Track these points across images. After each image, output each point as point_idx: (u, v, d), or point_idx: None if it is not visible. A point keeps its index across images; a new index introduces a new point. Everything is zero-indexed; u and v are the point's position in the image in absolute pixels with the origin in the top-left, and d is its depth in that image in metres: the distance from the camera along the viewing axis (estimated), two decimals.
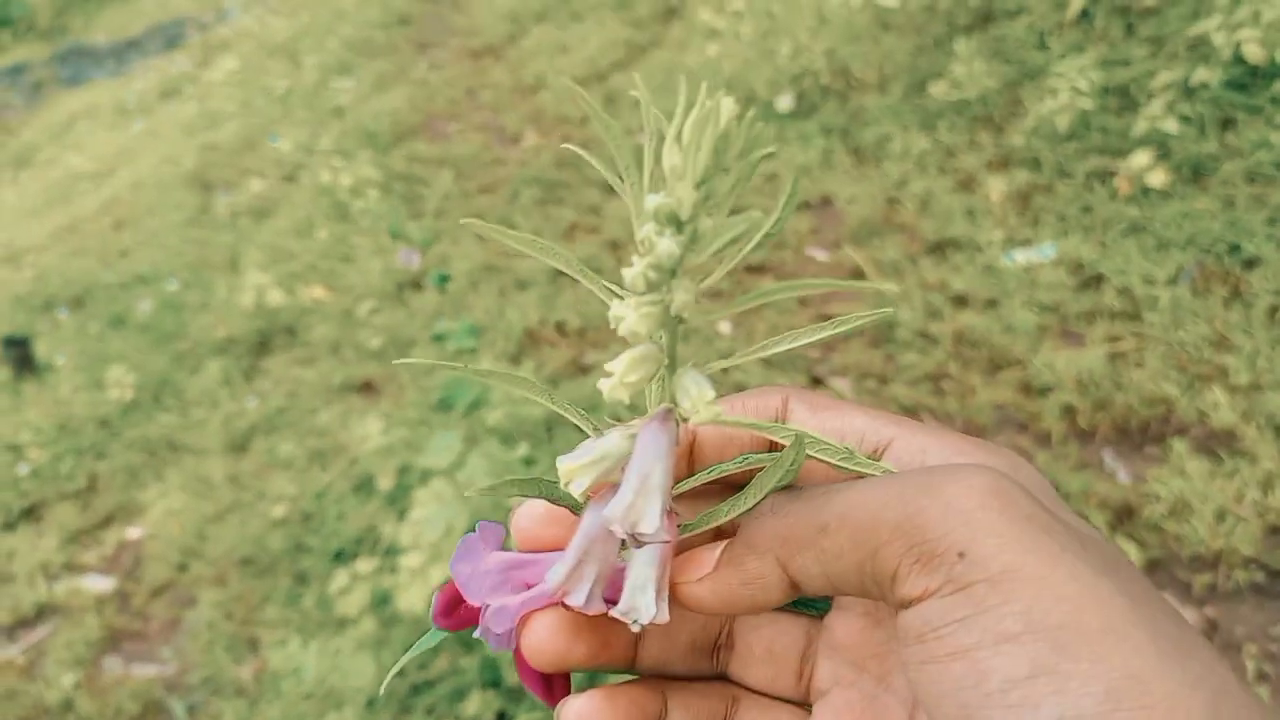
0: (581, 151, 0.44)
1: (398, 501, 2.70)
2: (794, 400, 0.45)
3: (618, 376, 0.37)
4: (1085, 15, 3.54)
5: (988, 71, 3.51)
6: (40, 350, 4.01)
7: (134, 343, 3.91)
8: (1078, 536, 0.34)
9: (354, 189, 4.20)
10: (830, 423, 0.44)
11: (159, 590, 2.81)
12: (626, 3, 5.58)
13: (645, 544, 0.37)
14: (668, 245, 0.35)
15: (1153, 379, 2.35)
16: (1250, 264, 2.54)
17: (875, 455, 0.42)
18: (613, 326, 0.37)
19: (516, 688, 2.10)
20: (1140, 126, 2.93)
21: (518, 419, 2.60)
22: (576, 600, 0.39)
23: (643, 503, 0.36)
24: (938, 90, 3.57)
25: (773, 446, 0.44)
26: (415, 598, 2.04)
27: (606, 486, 0.40)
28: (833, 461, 0.39)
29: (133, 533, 3.06)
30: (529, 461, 2.45)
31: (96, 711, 2.48)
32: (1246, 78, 2.89)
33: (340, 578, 2.30)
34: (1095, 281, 2.67)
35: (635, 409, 0.41)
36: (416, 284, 3.72)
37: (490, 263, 3.71)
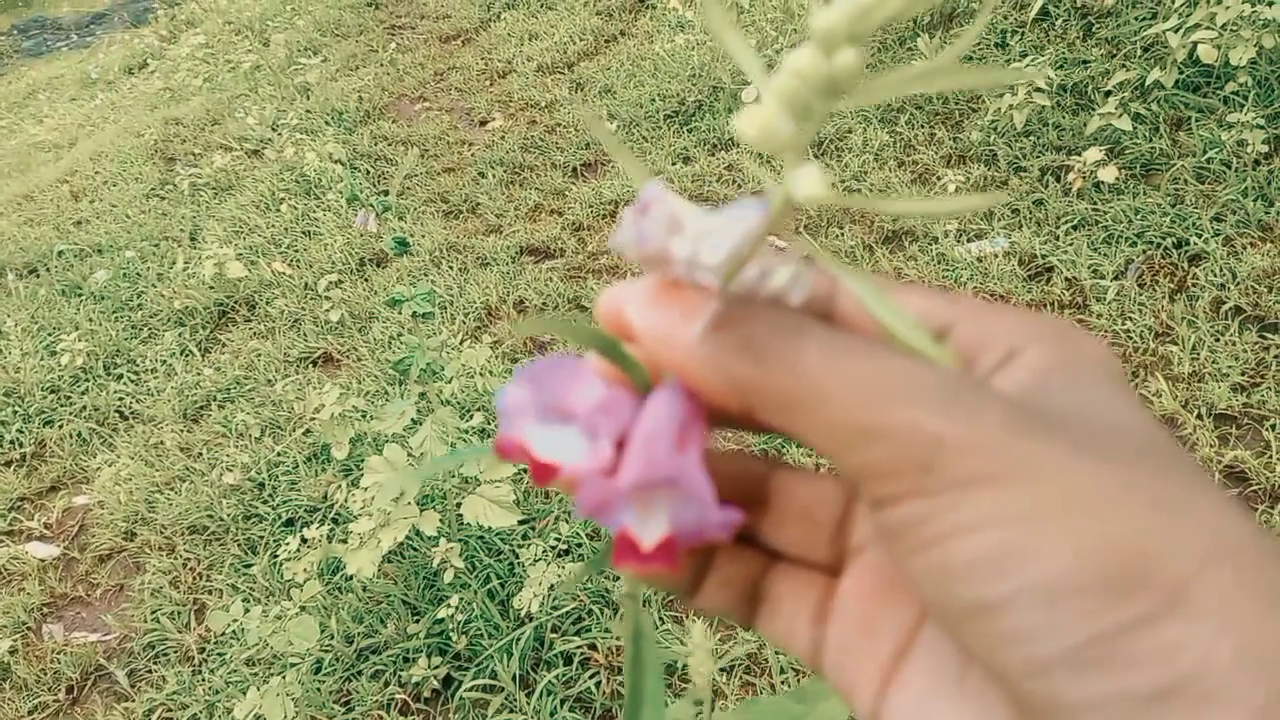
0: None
1: (351, 471, 2.69)
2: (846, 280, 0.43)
3: (757, 111, 0.35)
4: (1045, 16, 3.60)
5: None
6: None
7: (88, 311, 3.86)
8: (1070, 435, 0.32)
9: (319, 165, 4.17)
10: None
11: (104, 557, 2.78)
12: None
13: (703, 281, 0.35)
14: None
15: None
16: (1195, 259, 2.59)
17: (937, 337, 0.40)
18: (765, 85, 0.36)
19: (463, 653, 2.10)
20: (1094, 124, 2.98)
21: (473, 390, 2.60)
22: (647, 208, 0.35)
23: (718, 237, 0.34)
24: None
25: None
26: (364, 562, 2.04)
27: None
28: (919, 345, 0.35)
29: (80, 500, 3.02)
30: (483, 432, 2.45)
31: (33, 678, 2.45)
32: (1200, 78, 2.96)
33: (290, 544, 2.29)
34: (1045, 273, 2.72)
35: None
36: (377, 259, 3.70)
37: (453, 241, 3.70)
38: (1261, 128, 2.75)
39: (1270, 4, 2.76)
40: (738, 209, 0.36)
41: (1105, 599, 0.30)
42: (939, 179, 3.18)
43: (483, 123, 4.74)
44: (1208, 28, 2.86)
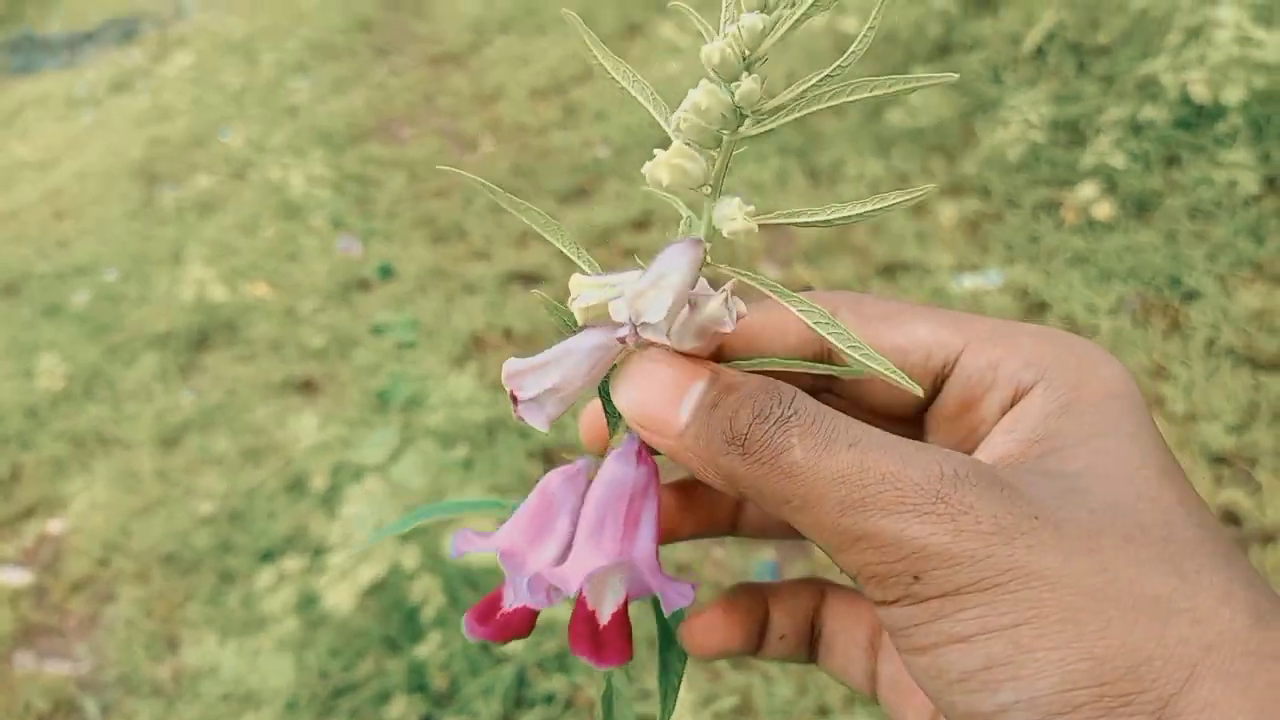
0: None
1: (330, 501, 2.64)
2: (846, 310, 0.42)
3: (664, 156, 0.36)
4: (1039, 52, 3.60)
5: (943, 102, 3.55)
6: None
7: (67, 333, 3.81)
8: (1063, 530, 0.32)
9: (304, 187, 4.13)
10: (888, 336, 0.41)
11: (78, 585, 2.72)
12: (590, 18, 5.59)
13: (649, 342, 0.35)
14: (753, 19, 0.34)
15: None
16: (1189, 297, 2.58)
17: (943, 373, 0.40)
18: (670, 125, 0.37)
19: (443, 692, 2.05)
20: (1088, 160, 2.98)
21: (458, 421, 2.56)
22: (524, 395, 0.37)
23: (654, 294, 0.35)
24: (894, 118, 3.61)
25: (820, 356, 0.42)
26: (342, 596, 1.98)
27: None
28: (878, 369, 0.36)
29: (54, 526, 2.96)
30: (467, 463, 2.40)
31: (3, 708, 2.39)
32: (1192, 116, 2.96)
33: (266, 576, 2.24)
34: (1039, 308, 2.70)
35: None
36: (362, 284, 3.66)
37: (439, 267, 3.66)
38: (1253, 168, 2.74)
39: (1259, 46, 2.77)
40: (667, 256, 0.36)
41: (1095, 717, 0.29)
42: (932, 211, 3.16)
43: (472, 146, 4.72)
44: (1199, 67, 2.86)
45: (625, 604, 0.40)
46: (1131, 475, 0.34)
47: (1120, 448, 0.35)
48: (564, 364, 0.37)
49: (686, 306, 0.36)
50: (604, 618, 0.39)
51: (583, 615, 0.39)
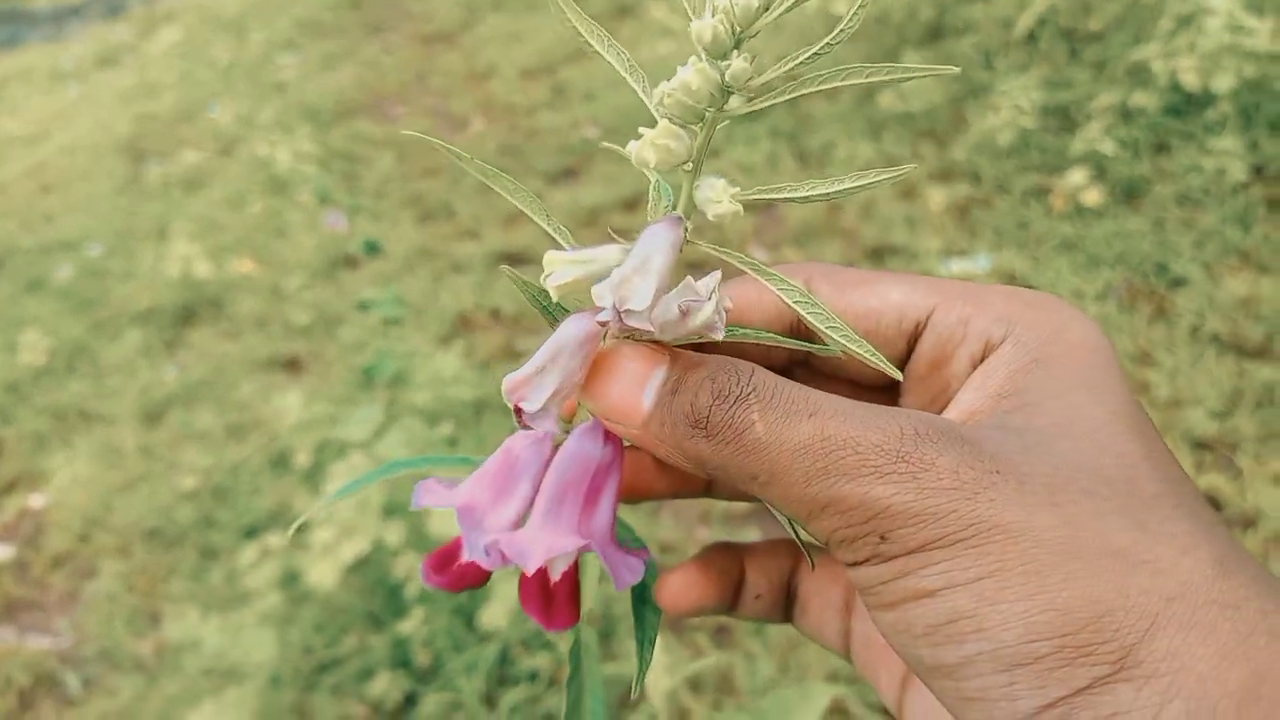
0: None
1: (314, 477, 2.63)
2: (818, 279, 0.43)
3: (650, 136, 0.36)
4: (1031, 37, 3.60)
5: (934, 86, 3.55)
6: None
7: (51, 307, 3.78)
8: (1026, 484, 0.32)
9: (291, 164, 4.11)
10: (861, 301, 0.42)
11: (59, 560, 2.71)
12: None
13: (633, 329, 0.35)
14: None
15: None
16: (1176, 283, 2.58)
17: (916, 333, 0.41)
18: (654, 101, 0.36)
19: (425, 669, 2.05)
20: (1078, 147, 2.98)
21: (444, 399, 2.55)
22: (531, 407, 0.37)
23: (639, 280, 0.35)
24: (885, 101, 3.60)
25: (795, 330, 0.42)
26: (325, 572, 1.98)
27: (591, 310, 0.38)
28: (858, 351, 0.36)
29: (36, 500, 2.94)
30: (452, 441, 2.40)
31: None
32: (1182, 104, 2.96)
33: (249, 552, 2.23)
34: None
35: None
36: (348, 261, 3.64)
37: (427, 246, 3.65)
38: (1241, 156, 2.75)
39: (1250, 34, 2.77)
40: (649, 238, 0.36)
41: (1057, 667, 0.30)
42: (921, 195, 3.16)
43: (463, 126, 4.70)
44: (1189, 55, 2.86)
45: (575, 563, 0.40)
46: (1097, 430, 0.34)
47: (1087, 402, 0.35)
48: (559, 364, 0.37)
49: (678, 314, 0.36)
50: (555, 574, 0.40)
51: (535, 573, 0.39)
